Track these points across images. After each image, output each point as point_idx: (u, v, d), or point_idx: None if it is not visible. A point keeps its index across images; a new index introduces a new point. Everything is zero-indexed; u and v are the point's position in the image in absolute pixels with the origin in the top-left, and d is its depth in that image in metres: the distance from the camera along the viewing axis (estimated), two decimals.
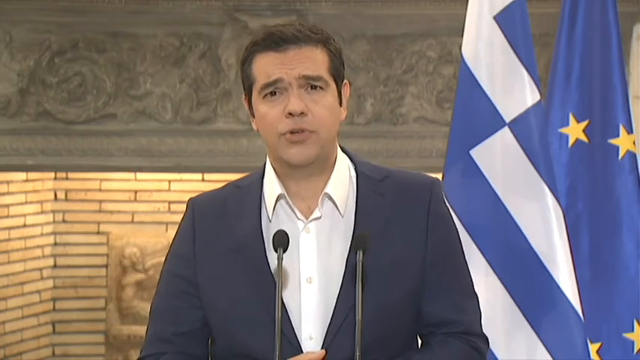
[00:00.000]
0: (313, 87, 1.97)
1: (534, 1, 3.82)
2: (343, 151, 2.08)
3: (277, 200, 2.02)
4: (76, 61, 4.93)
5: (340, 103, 2.03)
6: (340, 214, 2.01)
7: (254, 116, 2.03)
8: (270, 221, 2.01)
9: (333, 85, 2.00)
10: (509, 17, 3.14)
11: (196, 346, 2.04)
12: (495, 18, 3.15)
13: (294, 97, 1.95)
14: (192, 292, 2.03)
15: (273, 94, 1.97)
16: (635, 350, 3.27)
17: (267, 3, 4.79)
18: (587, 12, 3.32)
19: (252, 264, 1.99)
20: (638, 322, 3.26)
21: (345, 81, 2.05)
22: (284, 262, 1.91)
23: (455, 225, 2.10)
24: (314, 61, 1.97)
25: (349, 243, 1.98)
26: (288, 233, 1.92)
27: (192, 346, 2.04)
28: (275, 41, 1.96)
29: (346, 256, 1.98)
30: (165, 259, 2.11)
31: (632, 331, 3.27)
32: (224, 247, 2.02)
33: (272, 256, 1.97)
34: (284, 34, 1.96)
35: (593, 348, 3.21)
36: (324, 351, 1.91)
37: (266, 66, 1.97)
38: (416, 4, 4.79)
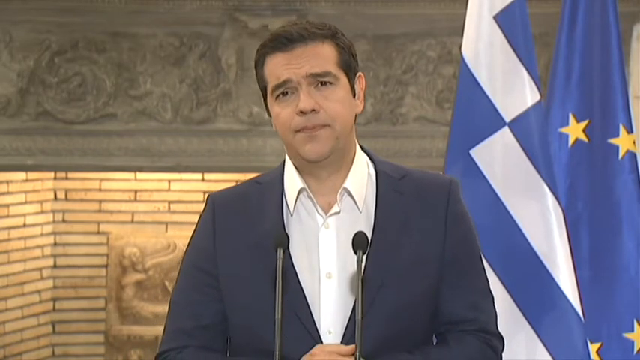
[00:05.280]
0: (323, 83, 1.99)
1: (534, 1, 3.82)
2: (363, 150, 2.11)
3: (298, 195, 2.04)
4: (76, 61, 4.93)
5: (355, 96, 2.05)
6: (359, 209, 2.03)
7: (271, 116, 2.06)
8: (291, 216, 2.03)
9: (343, 79, 2.02)
10: (509, 17, 3.15)
11: (217, 340, 2.05)
12: (495, 18, 3.15)
13: (304, 94, 1.98)
14: (213, 285, 2.04)
15: (284, 94, 2.00)
16: (635, 350, 3.27)
17: (267, 3, 4.79)
18: (587, 12, 3.32)
19: (273, 260, 1.97)
20: (638, 322, 3.26)
21: (359, 73, 2.06)
22: (304, 257, 1.97)
23: (473, 225, 2.11)
24: (321, 57, 1.99)
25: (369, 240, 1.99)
26: (307, 229, 1.98)
27: (213, 339, 2.05)
28: (281, 42, 1.99)
29: (366, 252, 1.98)
30: (185, 253, 2.12)
31: (632, 331, 3.27)
32: (246, 242, 2.03)
33: (295, 252, 1.99)
34: (290, 34, 1.99)
35: (593, 348, 3.21)
36: (353, 346, 1.90)
37: (275, 67, 2.00)
38: (416, 4, 4.79)
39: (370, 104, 4.88)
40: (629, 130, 3.32)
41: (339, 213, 2.03)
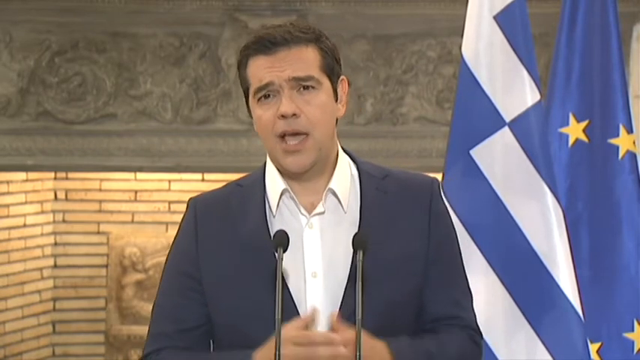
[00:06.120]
0: (305, 87, 1.99)
1: (534, 1, 3.82)
2: (344, 151, 2.11)
3: (280, 196, 2.04)
4: (76, 61, 4.93)
5: (337, 100, 2.05)
6: (343, 209, 2.04)
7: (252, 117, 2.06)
8: (274, 217, 2.04)
9: (326, 83, 2.02)
10: (509, 17, 3.14)
11: (199, 343, 2.05)
12: (495, 18, 3.14)
13: (286, 99, 1.98)
14: (196, 289, 2.04)
15: (266, 96, 2.01)
16: (635, 350, 3.27)
17: (267, 3, 4.79)
18: (587, 12, 3.32)
19: (258, 260, 2.00)
20: (638, 321, 3.26)
21: (342, 77, 2.07)
22: (289, 257, 1.95)
23: (452, 223, 2.14)
24: (304, 61, 1.99)
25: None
26: (291, 230, 1.96)
27: (196, 343, 2.05)
28: (265, 45, 1.99)
29: (351, 251, 1.99)
30: (167, 257, 2.12)
31: (632, 330, 3.27)
32: (229, 244, 2.03)
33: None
34: (273, 37, 1.99)
35: (593, 348, 3.21)
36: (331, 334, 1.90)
37: (257, 70, 2.00)
38: (416, 4, 4.79)
39: (370, 104, 4.88)
40: (629, 130, 3.32)
41: (323, 213, 2.03)
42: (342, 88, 2.06)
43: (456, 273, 2.11)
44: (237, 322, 2.00)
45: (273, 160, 2.06)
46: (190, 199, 2.13)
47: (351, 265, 1.99)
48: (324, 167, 2.05)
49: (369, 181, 2.07)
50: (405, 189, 2.08)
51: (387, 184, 2.07)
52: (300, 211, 2.04)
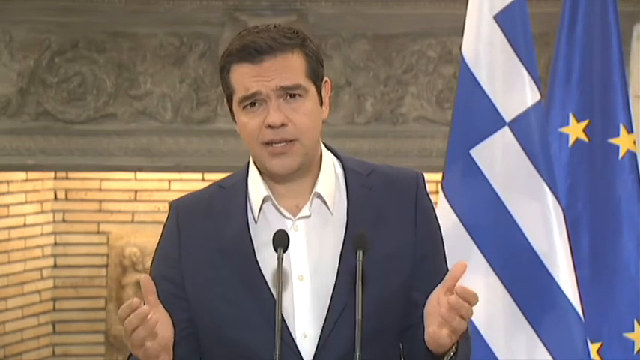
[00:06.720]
0: (292, 95, 1.97)
1: (534, 1, 3.82)
2: (327, 148, 2.10)
3: (263, 202, 2.03)
4: (76, 61, 4.93)
5: (322, 103, 2.04)
6: (330, 211, 2.02)
7: (236, 121, 2.04)
8: (255, 222, 2.02)
9: (312, 89, 2.00)
10: (509, 17, 3.15)
11: (181, 348, 2.00)
12: (495, 18, 3.15)
13: (273, 109, 1.96)
14: (178, 295, 2.02)
15: (252, 104, 1.98)
16: (635, 350, 3.27)
17: (267, 3, 4.79)
18: (587, 12, 3.32)
19: (241, 264, 1.99)
20: (638, 321, 3.27)
21: (326, 78, 2.05)
22: (274, 260, 1.92)
23: (437, 218, 2.12)
24: (290, 69, 1.97)
25: (342, 239, 2.00)
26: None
27: (178, 347, 1.99)
28: (250, 53, 1.96)
29: (339, 252, 1.99)
30: (152, 262, 2.10)
31: (632, 330, 3.27)
32: (211, 248, 2.02)
33: (261, 256, 1.99)
34: (258, 46, 1.96)
35: (593, 348, 3.21)
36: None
37: (243, 78, 1.97)
38: (416, 4, 4.79)
39: (370, 104, 4.88)
40: (629, 130, 3.32)
41: (309, 217, 2.02)
42: (326, 90, 2.05)
43: (443, 268, 2.07)
44: (220, 326, 1.99)
45: (257, 164, 2.05)
46: (172, 201, 2.12)
47: (339, 267, 1.98)
48: (309, 169, 2.03)
49: (355, 178, 2.06)
50: (391, 185, 2.06)
51: (372, 181, 2.06)
52: (283, 215, 2.02)
